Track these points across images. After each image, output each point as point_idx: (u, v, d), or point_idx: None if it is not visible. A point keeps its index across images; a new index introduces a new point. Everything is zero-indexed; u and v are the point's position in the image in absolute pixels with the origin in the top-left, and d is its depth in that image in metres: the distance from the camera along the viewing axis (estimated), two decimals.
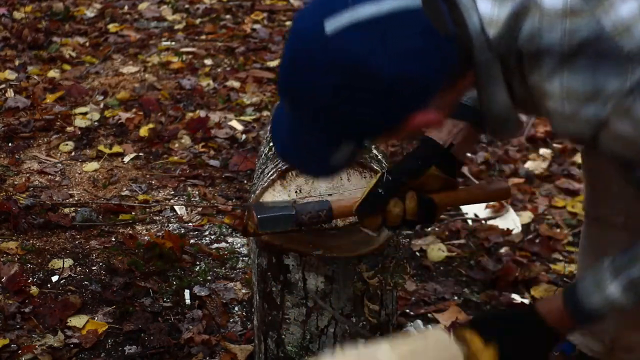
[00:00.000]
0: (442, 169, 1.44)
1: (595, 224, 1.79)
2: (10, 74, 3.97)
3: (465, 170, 3.17)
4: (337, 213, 1.51)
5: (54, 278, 2.44)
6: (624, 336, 1.80)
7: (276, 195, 1.57)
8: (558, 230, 2.81)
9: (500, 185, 1.54)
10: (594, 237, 1.81)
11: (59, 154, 3.26)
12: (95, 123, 3.50)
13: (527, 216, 2.89)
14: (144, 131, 3.40)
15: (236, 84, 3.93)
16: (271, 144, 1.81)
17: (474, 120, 1.45)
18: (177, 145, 3.34)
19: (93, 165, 3.16)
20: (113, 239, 2.66)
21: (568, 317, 1.32)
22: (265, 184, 1.59)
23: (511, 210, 2.91)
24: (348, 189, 1.59)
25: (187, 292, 2.39)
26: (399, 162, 1.50)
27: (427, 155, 1.45)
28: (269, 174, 1.62)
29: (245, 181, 3.06)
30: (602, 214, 1.75)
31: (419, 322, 2.28)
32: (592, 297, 1.30)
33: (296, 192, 1.58)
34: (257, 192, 1.61)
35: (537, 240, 2.76)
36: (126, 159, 3.22)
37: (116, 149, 3.28)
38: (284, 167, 1.60)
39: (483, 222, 2.85)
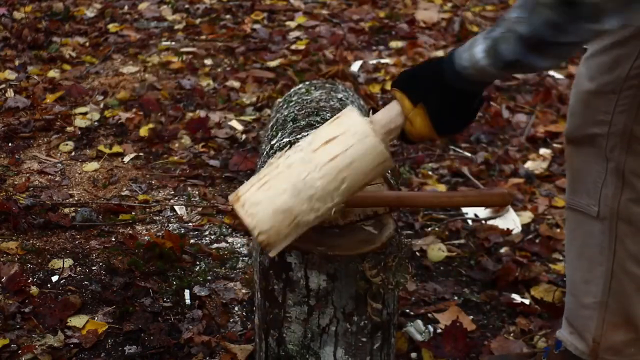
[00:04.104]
0: None
1: (574, 214, 1.81)
2: (10, 74, 3.97)
3: (465, 170, 3.17)
4: None
5: (54, 278, 2.44)
6: (607, 336, 1.80)
7: None
8: (558, 230, 2.81)
9: (499, 192, 1.53)
10: (572, 227, 1.83)
11: (59, 154, 3.26)
12: (95, 123, 3.50)
13: (527, 216, 2.89)
14: (144, 131, 3.40)
15: (236, 84, 3.93)
16: (272, 142, 1.81)
17: None
18: (177, 145, 3.34)
19: (93, 165, 3.16)
20: (113, 239, 2.66)
21: (446, 73, 1.39)
22: None
23: (511, 210, 2.91)
24: None
25: (187, 292, 2.39)
26: None
27: None
28: None
29: (245, 181, 3.06)
30: (579, 204, 1.77)
31: (419, 322, 2.28)
32: (463, 55, 1.36)
33: None
34: None
35: (537, 240, 2.76)
36: (126, 159, 3.22)
37: (116, 149, 3.28)
38: None
39: (483, 222, 2.85)
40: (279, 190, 1.37)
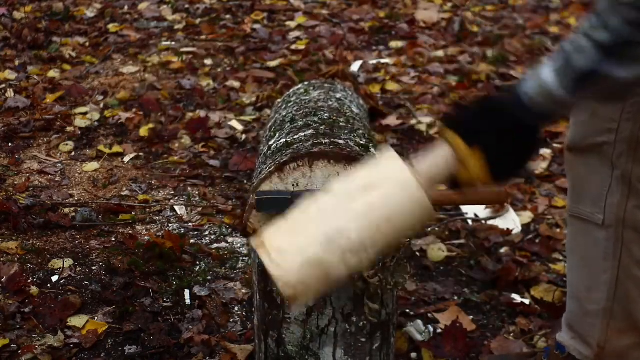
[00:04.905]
0: None
1: (576, 222, 1.80)
2: (10, 74, 3.97)
3: None
4: None
5: (54, 278, 2.44)
6: (612, 341, 1.79)
7: (273, 187, 1.58)
8: (558, 230, 2.81)
9: (496, 189, 1.54)
10: (575, 235, 1.82)
11: (59, 154, 3.26)
12: (95, 123, 3.50)
13: (527, 216, 2.89)
14: (144, 131, 3.40)
15: (236, 84, 3.93)
16: (269, 143, 1.81)
17: None
18: (177, 145, 3.34)
19: (93, 165, 3.16)
20: (113, 239, 2.66)
21: (508, 108, 1.29)
22: (263, 176, 1.59)
23: (511, 210, 2.91)
24: None
25: (187, 292, 2.39)
26: None
27: None
28: (268, 167, 1.63)
29: (245, 181, 3.07)
30: (582, 212, 1.76)
31: (419, 322, 2.28)
32: (528, 83, 1.27)
33: (293, 185, 1.59)
34: (255, 184, 1.61)
35: (537, 240, 2.76)
36: (126, 159, 3.22)
37: (116, 149, 3.28)
38: (282, 161, 1.60)
39: (483, 222, 2.85)
40: (310, 239, 1.21)
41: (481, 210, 2.93)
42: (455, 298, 2.44)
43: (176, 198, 2.96)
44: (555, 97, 1.24)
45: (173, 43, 4.46)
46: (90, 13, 4.90)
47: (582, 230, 1.78)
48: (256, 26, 4.71)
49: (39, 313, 2.27)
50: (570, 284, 1.88)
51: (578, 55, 1.21)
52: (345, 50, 4.38)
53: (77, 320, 2.25)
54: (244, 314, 2.33)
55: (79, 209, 2.81)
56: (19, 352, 2.12)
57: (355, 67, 4.12)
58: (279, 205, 1.54)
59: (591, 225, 1.75)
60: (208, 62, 4.21)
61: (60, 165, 3.17)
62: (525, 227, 2.84)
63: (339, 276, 1.23)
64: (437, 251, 2.65)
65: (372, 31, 4.75)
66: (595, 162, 1.71)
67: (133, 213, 2.83)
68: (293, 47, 4.43)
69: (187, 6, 5.06)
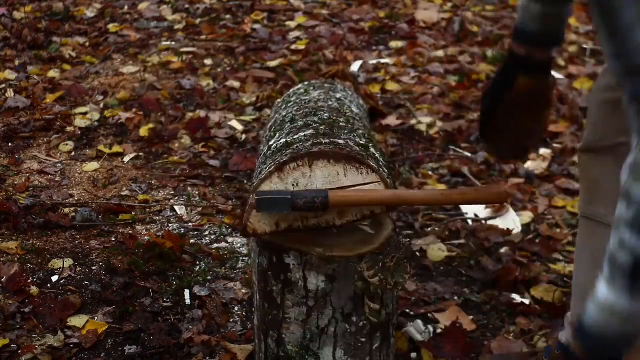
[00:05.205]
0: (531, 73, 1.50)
1: (589, 223, 1.80)
2: (10, 74, 3.98)
3: (465, 170, 3.17)
4: (333, 202, 1.53)
5: (54, 278, 2.44)
6: None
7: (273, 187, 1.59)
8: (558, 230, 2.81)
9: (496, 190, 1.54)
10: (587, 236, 1.82)
11: (59, 154, 3.26)
12: (95, 123, 3.50)
13: (527, 216, 2.89)
14: (144, 131, 3.40)
15: (236, 84, 3.93)
16: (270, 143, 1.81)
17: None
18: (177, 145, 3.34)
19: (93, 165, 3.16)
20: (113, 239, 2.66)
21: (583, 348, 1.16)
22: (263, 176, 1.60)
23: (511, 210, 2.91)
24: (344, 184, 1.59)
25: (187, 292, 2.39)
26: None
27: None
28: (268, 167, 1.63)
29: (245, 181, 3.07)
30: (595, 213, 1.76)
31: (419, 322, 2.28)
32: (587, 309, 1.14)
33: (293, 185, 1.59)
34: (255, 184, 1.62)
35: (537, 240, 2.76)
36: (126, 159, 3.23)
37: (116, 149, 3.28)
38: (282, 161, 1.60)
39: (483, 222, 2.85)
40: None
41: (481, 210, 2.93)
42: (455, 298, 2.44)
43: (176, 198, 2.96)
44: (620, 311, 1.09)
45: (173, 43, 4.46)
46: (90, 13, 4.90)
47: (594, 231, 1.78)
48: (256, 26, 4.71)
49: (39, 313, 2.27)
50: (577, 285, 1.87)
51: (620, 252, 1.09)
52: (345, 50, 4.38)
53: (77, 320, 2.25)
54: (244, 314, 2.33)
55: (79, 209, 2.81)
56: (19, 352, 2.12)
57: (355, 67, 4.12)
58: (279, 205, 1.54)
59: (604, 226, 1.74)
60: (208, 62, 4.22)
61: (60, 165, 3.17)
62: (525, 227, 2.84)
63: None
64: (437, 251, 2.65)
65: (372, 31, 4.75)
66: (610, 162, 1.70)
67: (133, 213, 2.83)
68: (293, 47, 4.43)
69: (187, 6, 5.06)
